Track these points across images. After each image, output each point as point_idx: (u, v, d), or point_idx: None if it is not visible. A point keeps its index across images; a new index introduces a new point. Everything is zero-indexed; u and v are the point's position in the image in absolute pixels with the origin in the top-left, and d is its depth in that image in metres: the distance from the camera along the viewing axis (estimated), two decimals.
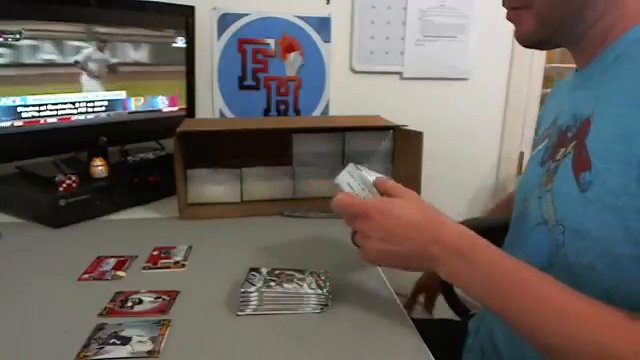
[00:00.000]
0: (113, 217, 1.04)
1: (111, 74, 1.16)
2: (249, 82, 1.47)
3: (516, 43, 0.64)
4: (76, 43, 1.08)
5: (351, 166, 0.68)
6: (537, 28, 0.60)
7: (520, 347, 0.64)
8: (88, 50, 1.11)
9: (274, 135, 1.16)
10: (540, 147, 0.72)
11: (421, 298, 1.11)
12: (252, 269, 0.72)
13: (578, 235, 0.54)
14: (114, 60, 1.16)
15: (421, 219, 0.59)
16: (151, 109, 1.26)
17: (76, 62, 1.09)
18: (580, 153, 0.55)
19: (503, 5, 0.63)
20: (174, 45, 1.27)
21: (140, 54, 1.20)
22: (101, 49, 1.13)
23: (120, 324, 0.62)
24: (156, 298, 0.69)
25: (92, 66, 1.12)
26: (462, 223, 0.60)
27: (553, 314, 0.50)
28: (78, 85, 1.10)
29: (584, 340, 0.48)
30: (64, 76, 1.07)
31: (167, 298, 0.69)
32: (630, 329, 0.46)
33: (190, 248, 0.87)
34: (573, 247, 0.55)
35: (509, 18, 0.63)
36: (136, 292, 0.71)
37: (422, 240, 0.58)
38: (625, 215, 0.49)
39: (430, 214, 0.60)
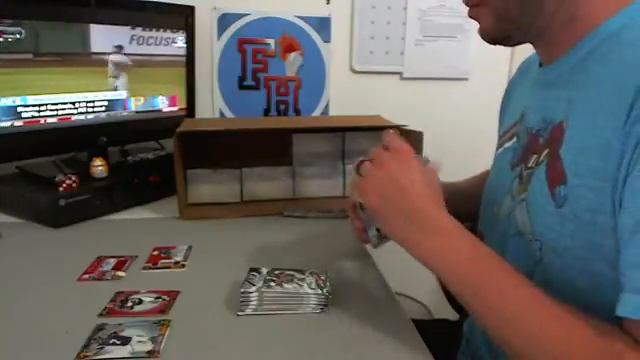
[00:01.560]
0: (113, 217, 1.04)
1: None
2: (249, 82, 1.47)
3: None
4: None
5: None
6: (496, 24, 0.59)
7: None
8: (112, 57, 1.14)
9: (274, 135, 1.16)
10: (508, 146, 0.70)
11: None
12: (252, 269, 0.71)
13: (556, 253, 0.53)
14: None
15: (430, 185, 0.58)
16: (151, 109, 1.26)
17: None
18: (554, 165, 0.53)
19: (464, 3, 0.62)
20: (174, 45, 1.27)
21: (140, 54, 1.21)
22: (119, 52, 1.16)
23: (120, 324, 0.62)
24: (156, 298, 0.69)
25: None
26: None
27: (513, 310, 0.49)
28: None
29: (540, 344, 0.47)
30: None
31: (167, 298, 0.69)
32: (592, 344, 0.45)
33: (190, 248, 0.87)
34: (552, 264, 0.54)
35: (470, 15, 0.62)
36: (136, 292, 0.71)
37: (420, 199, 0.56)
38: (601, 233, 0.48)
39: (438, 193, 0.58)
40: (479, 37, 0.64)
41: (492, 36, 0.61)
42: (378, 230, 0.68)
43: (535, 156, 0.59)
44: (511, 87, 0.82)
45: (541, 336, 0.47)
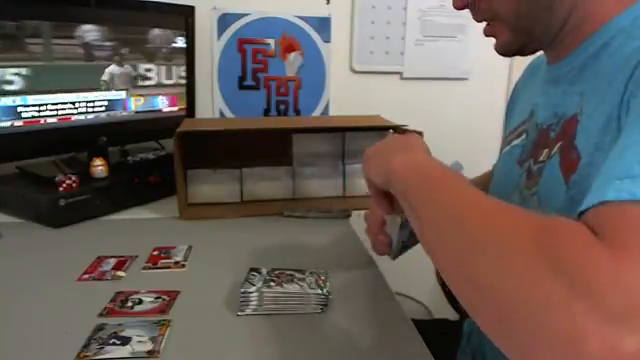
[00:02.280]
0: (113, 217, 1.04)
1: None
2: (249, 82, 1.47)
3: None
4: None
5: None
6: (513, 36, 0.60)
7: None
8: (111, 68, 1.15)
9: (274, 135, 1.16)
10: (515, 143, 0.70)
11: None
12: (252, 269, 0.72)
13: None
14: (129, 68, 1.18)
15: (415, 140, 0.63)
16: (151, 109, 1.26)
17: (103, 82, 1.14)
18: (569, 155, 0.54)
19: (476, 20, 0.64)
20: (174, 45, 1.27)
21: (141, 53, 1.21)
22: (121, 64, 1.16)
23: (120, 324, 0.62)
24: (156, 298, 0.69)
25: (117, 81, 1.17)
26: None
27: (460, 209, 0.43)
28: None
29: (482, 235, 0.38)
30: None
31: (167, 298, 0.69)
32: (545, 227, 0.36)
33: (190, 248, 0.87)
34: None
35: (486, 34, 0.64)
36: (136, 292, 0.71)
37: (405, 141, 0.62)
38: None
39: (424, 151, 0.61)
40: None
41: (509, 49, 0.62)
42: (402, 242, 0.72)
43: (546, 150, 0.59)
44: (518, 87, 0.83)
45: (473, 226, 0.40)
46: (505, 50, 0.63)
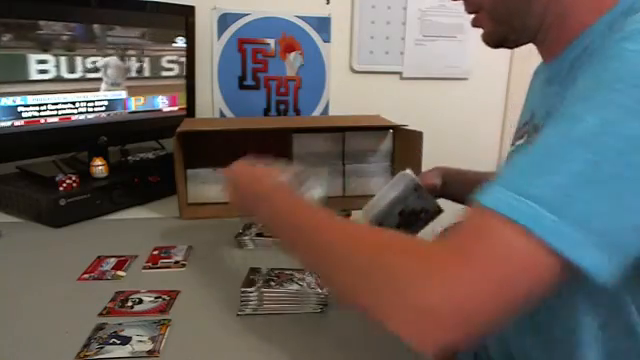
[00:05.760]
0: (113, 217, 1.04)
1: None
2: (249, 82, 1.47)
3: None
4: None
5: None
6: (494, 28, 0.63)
7: (511, 354, 0.63)
8: (107, 59, 1.14)
9: (274, 135, 1.16)
10: (519, 144, 0.71)
11: None
12: (252, 269, 0.72)
13: None
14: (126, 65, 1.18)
15: (259, 172, 0.69)
16: (151, 109, 1.26)
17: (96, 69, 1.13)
18: None
19: (467, 12, 0.66)
20: (174, 45, 1.27)
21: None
22: (121, 58, 1.16)
23: (120, 324, 0.62)
24: (156, 298, 0.69)
25: (110, 74, 1.16)
26: None
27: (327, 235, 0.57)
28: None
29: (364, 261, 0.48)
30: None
31: (167, 298, 0.69)
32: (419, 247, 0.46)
33: (190, 248, 0.87)
34: None
35: (472, 24, 0.66)
36: (136, 292, 0.71)
37: (255, 181, 0.68)
38: None
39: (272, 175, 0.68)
40: (479, 37, 0.66)
41: (492, 39, 0.65)
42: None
43: None
44: (528, 88, 0.85)
45: (352, 248, 0.51)
46: (489, 40, 0.65)
